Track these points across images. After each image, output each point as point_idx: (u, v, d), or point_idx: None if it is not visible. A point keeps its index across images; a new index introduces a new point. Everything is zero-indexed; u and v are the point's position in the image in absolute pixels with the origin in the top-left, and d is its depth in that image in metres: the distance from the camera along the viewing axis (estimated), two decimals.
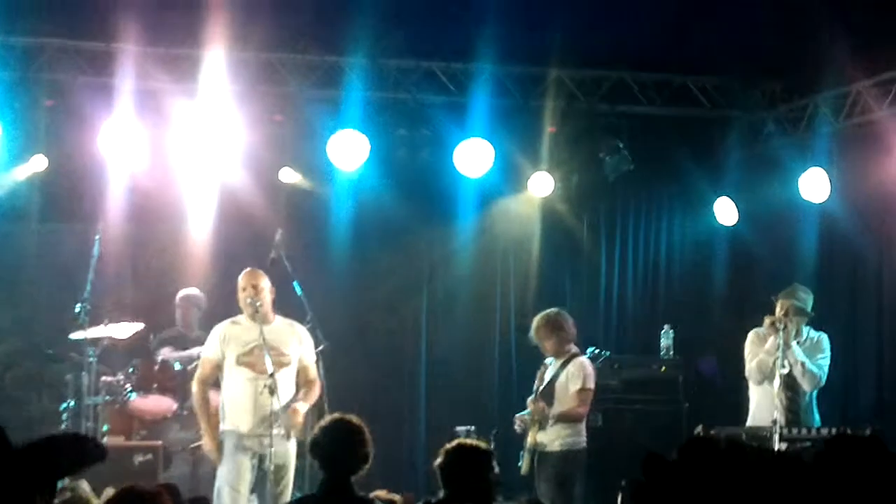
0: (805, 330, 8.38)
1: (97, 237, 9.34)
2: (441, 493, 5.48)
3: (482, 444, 5.73)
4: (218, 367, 7.69)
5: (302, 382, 7.76)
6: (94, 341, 9.21)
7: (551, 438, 8.19)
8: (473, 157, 10.28)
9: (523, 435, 8.30)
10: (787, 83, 10.61)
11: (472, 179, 10.50)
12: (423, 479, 10.00)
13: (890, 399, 9.92)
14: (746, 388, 8.55)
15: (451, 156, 10.29)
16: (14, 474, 3.36)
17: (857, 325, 10.37)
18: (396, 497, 6.75)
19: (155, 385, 9.55)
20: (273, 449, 7.35)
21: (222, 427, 7.62)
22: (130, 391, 9.47)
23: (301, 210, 10.61)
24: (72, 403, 9.38)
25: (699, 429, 7.84)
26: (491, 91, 10.18)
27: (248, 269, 7.80)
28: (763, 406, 8.20)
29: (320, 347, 8.31)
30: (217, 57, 9.46)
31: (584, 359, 8.49)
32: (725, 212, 10.93)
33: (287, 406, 7.51)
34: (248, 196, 10.22)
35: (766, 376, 8.15)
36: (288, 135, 10.12)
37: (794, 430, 7.98)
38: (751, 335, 8.46)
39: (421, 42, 9.78)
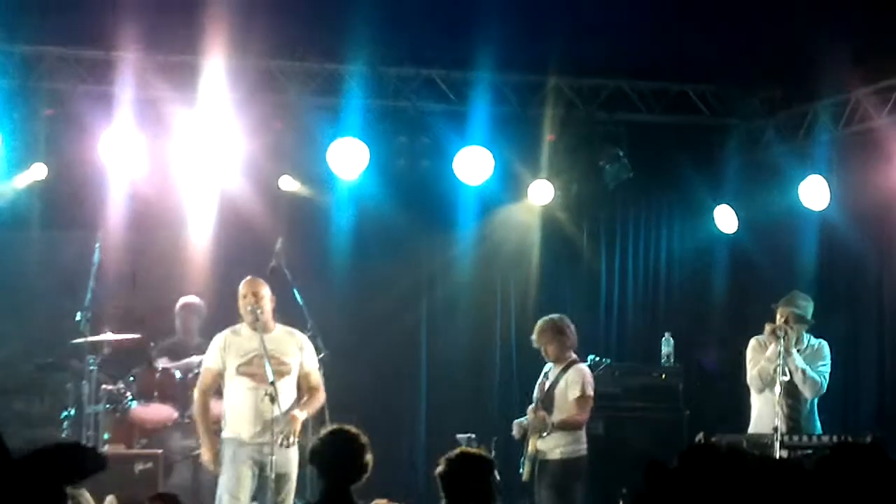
0: (805, 337, 8.38)
1: (97, 245, 9.36)
2: (442, 502, 5.48)
3: (484, 453, 5.73)
4: (219, 377, 7.70)
5: (305, 389, 7.76)
6: (95, 349, 9.21)
7: (551, 446, 8.18)
8: (473, 165, 10.30)
9: (522, 441, 8.30)
10: (787, 91, 10.59)
11: (472, 187, 10.51)
12: (424, 487, 9.98)
13: (891, 406, 9.91)
14: (747, 395, 8.54)
15: (450, 164, 10.30)
16: (14, 483, 3.35)
17: (858, 333, 10.36)
18: None
19: (156, 393, 9.54)
20: (274, 457, 7.35)
21: (223, 435, 7.63)
22: (131, 399, 9.46)
23: (301, 218, 10.59)
24: (72, 412, 9.39)
25: (700, 436, 7.85)
26: (490, 99, 10.19)
27: (249, 277, 7.80)
28: (764, 413, 8.18)
29: (321, 355, 8.29)
30: (216, 65, 9.47)
31: (582, 366, 8.48)
32: (725, 219, 10.92)
33: (287, 413, 7.51)
34: (247, 204, 10.22)
35: (767, 384, 8.13)
36: (287, 143, 10.11)
37: (796, 438, 7.98)
38: (752, 343, 8.45)
39: (421, 50, 9.80)
